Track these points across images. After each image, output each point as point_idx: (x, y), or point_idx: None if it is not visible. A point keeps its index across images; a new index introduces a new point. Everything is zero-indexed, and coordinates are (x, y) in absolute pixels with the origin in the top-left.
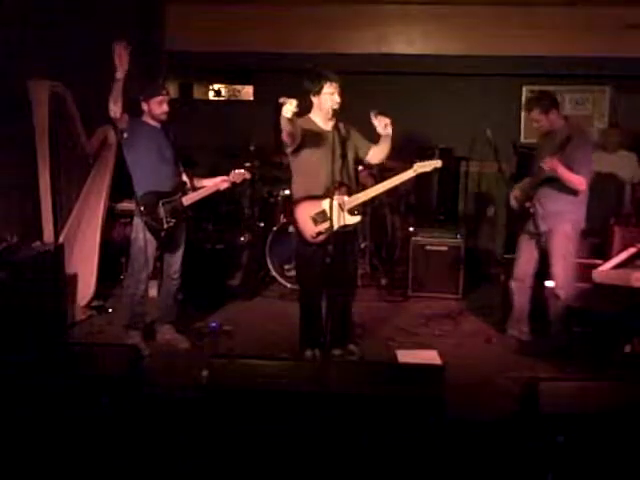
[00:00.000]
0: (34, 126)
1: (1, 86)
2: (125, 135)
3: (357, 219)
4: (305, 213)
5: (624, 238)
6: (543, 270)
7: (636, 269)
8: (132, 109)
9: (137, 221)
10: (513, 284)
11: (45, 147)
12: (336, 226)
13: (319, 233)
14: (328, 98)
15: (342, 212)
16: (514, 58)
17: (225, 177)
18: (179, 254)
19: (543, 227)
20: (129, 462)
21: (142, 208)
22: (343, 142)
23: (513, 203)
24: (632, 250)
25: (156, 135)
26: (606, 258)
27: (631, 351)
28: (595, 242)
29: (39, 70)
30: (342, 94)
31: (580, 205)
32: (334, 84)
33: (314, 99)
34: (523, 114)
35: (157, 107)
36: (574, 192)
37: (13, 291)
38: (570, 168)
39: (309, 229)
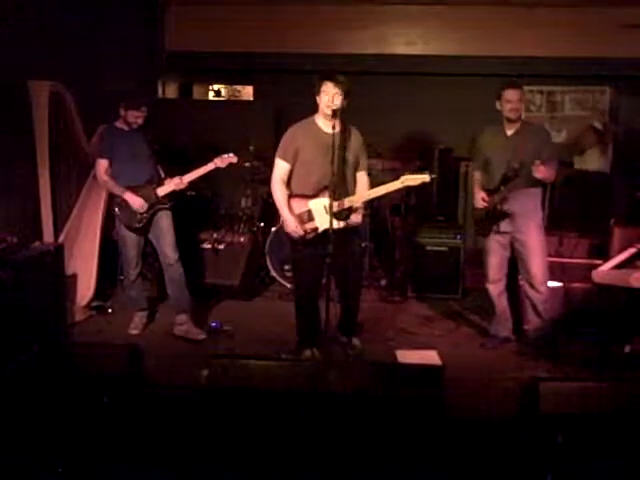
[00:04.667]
0: (34, 126)
1: (1, 86)
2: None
3: (340, 224)
4: (295, 209)
5: (624, 238)
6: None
7: (636, 269)
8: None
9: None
10: (491, 287)
11: (45, 147)
12: (321, 228)
13: (304, 232)
14: (324, 97)
15: (327, 214)
16: (514, 58)
17: (198, 170)
18: (168, 241)
19: (520, 224)
20: (129, 462)
21: (116, 207)
22: (343, 145)
23: (481, 204)
24: (632, 250)
25: (127, 136)
26: (606, 258)
27: (631, 351)
28: (595, 242)
29: (39, 70)
30: (345, 96)
31: (542, 196)
32: (330, 84)
33: (317, 99)
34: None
35: (132, 118)
36: (541, 186)
37: (13, 291)
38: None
39: (295, 230)
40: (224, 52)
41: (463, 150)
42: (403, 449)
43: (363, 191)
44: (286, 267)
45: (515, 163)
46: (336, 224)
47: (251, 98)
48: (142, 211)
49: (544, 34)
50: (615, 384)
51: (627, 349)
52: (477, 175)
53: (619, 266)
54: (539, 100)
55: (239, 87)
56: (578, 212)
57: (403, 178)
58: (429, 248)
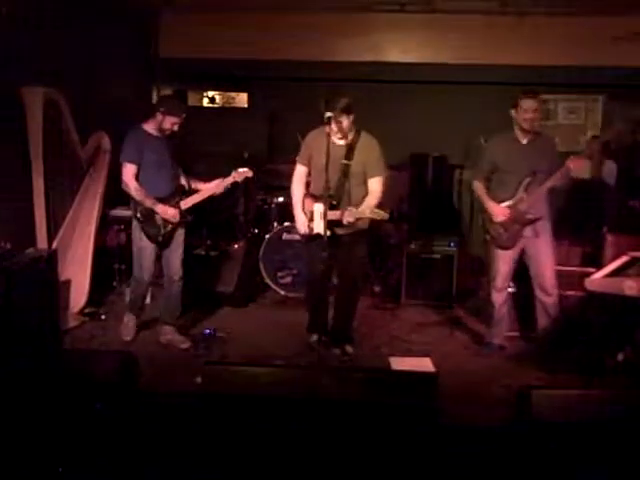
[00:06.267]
0: (28, 132)
1: None
2: None
3: (327, 232)
4: (305, 207)
5: (616, 246)
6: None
7: (628, 277)
8: (123, 113)
9: (135, 224)
10: (497, 295)
11: (39, 153)
12: (315, 230)
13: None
14: (333, 122)
15: (321, 221)
16: (508, 67)
17: (219, 181)
18: (178, 256)
19: (537, 228)
20: (123, 467)
21: (139, 215)
22: (350, 157)
23: (503, 218)
24: (624, 258)
25: (156, 143)
26: (598, 266)
27: (624, 359)
28: (587, 250)
29: (33, 76)
30: (349, 113)
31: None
32: (333, 114)
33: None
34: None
35: (169, 125)
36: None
37: (6, 298)
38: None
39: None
40: (219, 59)
41: (457, 157)
42: (396, 456)
43: (365, 203)
44: (280, 274)
45: (534, 170)
46: (327, 232)
47: (245, 105)
48: (175, 221)
49: (538, 43)
50: (608, 392)
51: (620, 357)
52: (480, 185)
53: (612, 274)
54: None
55: (233, 94)
56: (571, 220)
57: (370, 209)
58: (423, 255)
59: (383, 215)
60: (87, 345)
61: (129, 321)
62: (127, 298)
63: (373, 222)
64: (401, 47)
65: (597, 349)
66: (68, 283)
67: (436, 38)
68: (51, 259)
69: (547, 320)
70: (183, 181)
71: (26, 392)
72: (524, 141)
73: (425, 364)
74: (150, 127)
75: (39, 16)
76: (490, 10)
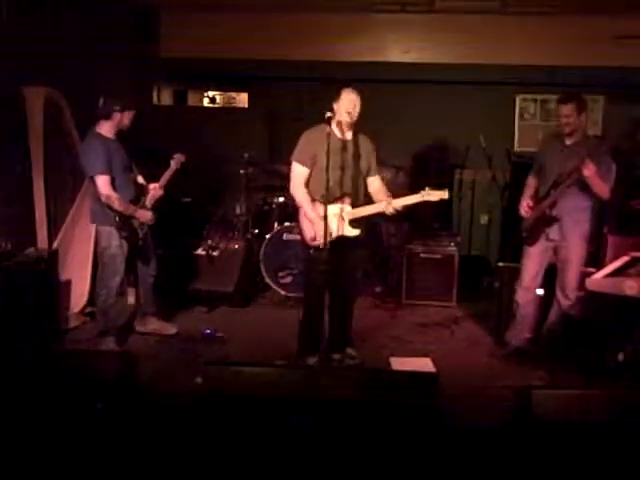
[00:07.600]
0: (28, 132)
1: None
2: None
3: (356, 232)
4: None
5: (617, 247)
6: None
7: (629, 277)
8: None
9: (107, 229)
10: (521, 293)
11: (40, 153)
12: (335, 234)
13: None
14: (345, 102)
15: (342, 222)
16: (508, 67)
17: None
18: (153, 253)
19: (566, 233)
20: (123, 468)
21: (118, 220)
22: (356, 154)
23: (524, 212)
24: (625, 258)
25: (117, 146)
26: (599, 267)
27: (624, 359)
28: (588, 251)
29: (34, 76)
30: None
31: (595, 211)
32: (352, 92)
33: (335, 106)
34: (517, 123)
35: (128, 120)
36: (593, 198)
37: (7, 297)
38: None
39: (309, 231)
40: (219, 59)
41: (457, 158)
42: (396, 457)
43: (381, 198)
44: (280, 274)
45: (567, 169)
46: (351, 232)
47: (246, 105)
48: (151, 223)
49: (538, 43)
50: (608, 392)
51: (620, 357)
52: (529, 181)
53: (612, 274)
54: (533, 108)
55: (234, 94)
56: None
57: (423, 193)
58: (423, 256)
59: (442, 194)
60: (87, 345)
61: (109, 344)
62: (100, 319)
63: (373, 222)
64: (401, 47)
65: (597, 349)
66: (69, 283)
67: (436, 38)
68: (51, 259)
69: (557, 321)
70: (141, 179)
71: (26, 392)
72: (568, 142)
73: (425, 364)
74: (107, 131)
75: (39, 16)
76: (490, 10)
